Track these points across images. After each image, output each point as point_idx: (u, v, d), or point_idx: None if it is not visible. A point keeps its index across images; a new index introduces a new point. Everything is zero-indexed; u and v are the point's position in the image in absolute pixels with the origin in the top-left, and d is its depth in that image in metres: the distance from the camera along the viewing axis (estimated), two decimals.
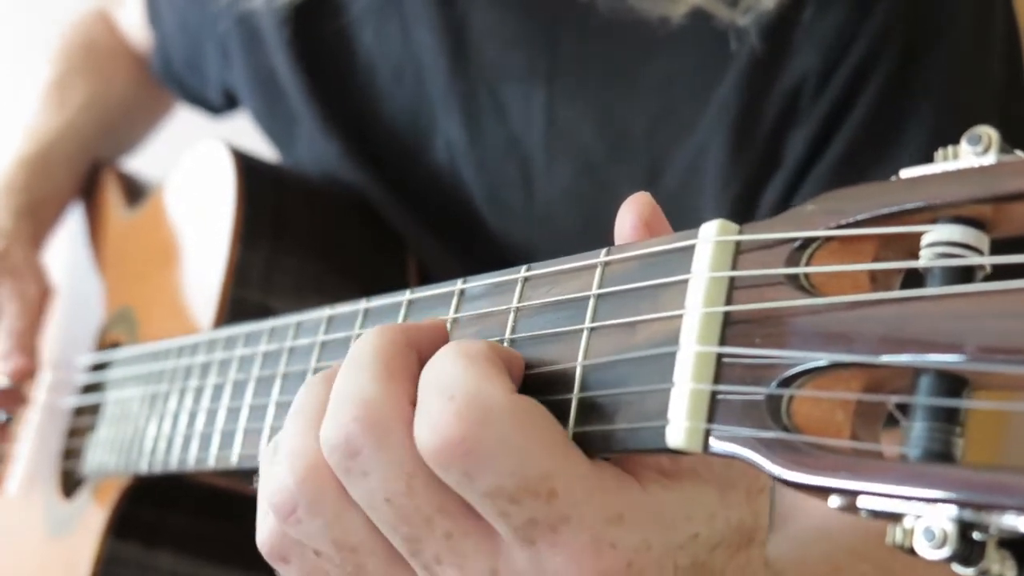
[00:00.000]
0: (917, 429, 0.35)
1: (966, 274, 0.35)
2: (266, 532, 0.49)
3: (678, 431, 0.39)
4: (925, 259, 0.36)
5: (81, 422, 1.02)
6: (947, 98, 0.74)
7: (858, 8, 0.74)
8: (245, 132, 1.05)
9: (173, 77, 1.13)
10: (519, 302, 0.48)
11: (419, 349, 0.46)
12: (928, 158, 0.76)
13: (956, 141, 0.80)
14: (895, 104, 0.73)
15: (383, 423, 0.43)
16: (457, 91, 0.88)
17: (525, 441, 0.41)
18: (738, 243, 0.40)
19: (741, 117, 0.78)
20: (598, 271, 0.45)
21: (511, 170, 0.87)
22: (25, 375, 0.99)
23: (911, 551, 0.34)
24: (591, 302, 0.44)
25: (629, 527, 0.42)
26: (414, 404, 0.43)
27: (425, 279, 0.94)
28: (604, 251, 0.45)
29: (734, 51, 0.76)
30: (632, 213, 0.46)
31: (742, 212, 0.79)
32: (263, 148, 1.02)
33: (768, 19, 0.74)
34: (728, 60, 0.78)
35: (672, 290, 0.41)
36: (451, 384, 0.42)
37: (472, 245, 0.92)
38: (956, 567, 0.34)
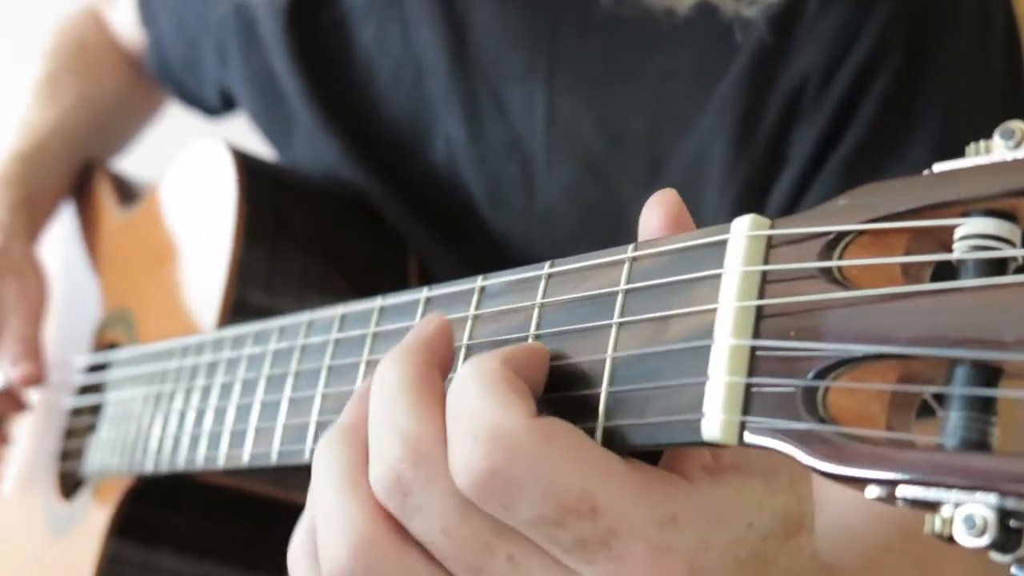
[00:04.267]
0: (953, 419, 0.35)
1: (999, 266, 0.36)
2: None
3: (714, 424, 0.39)
4: (959, 252, 0.37)
5: (79, 423, 1.01)
6: (955, 91, 0.74)
7: (861, 4, 0.74)
8: (240, 132, 1.05)
9: (170, 77, 1.13)
10: (544, 298, 0.48)
11: (440, 365, 0.47)
12: (939, 151, 0.76)
13: (965, 133, 0.80)
14: (904, 99, 0.74)
15: (427, 456, 0.43)
16: (458, 90, 0.88)
17: (554, 464, 0.41)
18: (769, 237, 0.41)
19: (744, 114, 0.78)
20: (626, 266, 0.45)
21: (512, 169, 0.88)
22: (33, 382, 0.98)
23: (950, 539, 0.34)
24: (620, 297, 0.45)
25: (684, 528, 0.42)
26: None
27: (425, 278, 0.94)
28: (631, 247, 0.46)
29: (740, 43, 0.76)
30: (659, 210, 0.46)
31: (745, 210, 0.80)
32: (257, 147, 1.02)
33: (774, 11, 0.74)
34: (730, 56, 0.78)
35: (704, 284, 0.42)
36: (473, 422, 0.42)
37: (471, 243, 0.92)
38: (994, 555, 0.34)
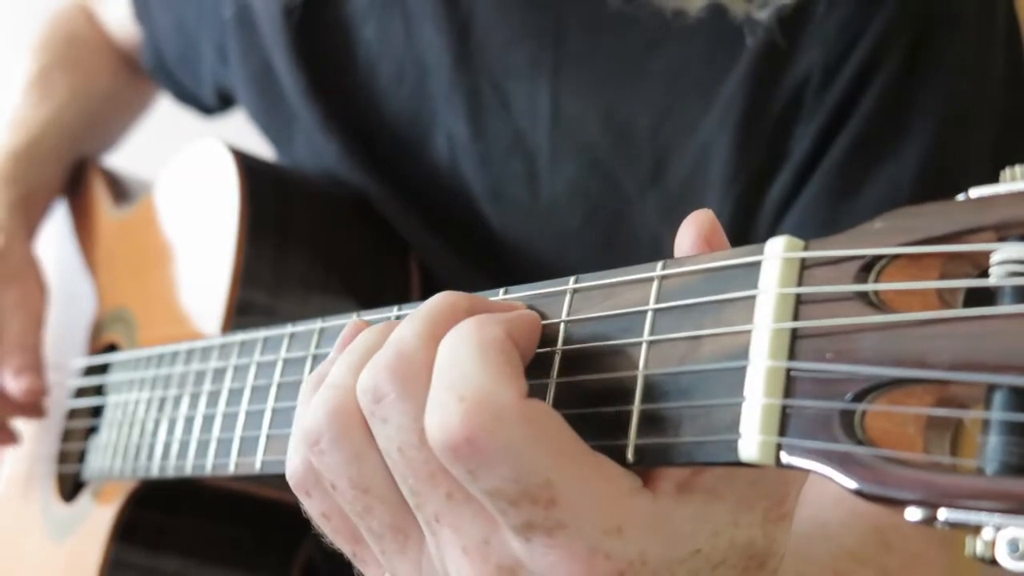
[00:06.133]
0: (992, 443, 0.36)
1: None
2: (294, 462, 0.51)
3: (751, 445, 0.40)
4: (996, 277, 0.37)
5: (76, 425, 1.01)
6: (954, 92, 0.75)
7: (864, 3, 0.75)
8: (236, 132, 1.04)
9: (166, 74, 1.12)
10: (569, 314, 0.49)
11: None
12: (935, 150, 0.77)
13: (963, 134, 0.81)
14: (902, 98, 0.74)
15: (410, 377, 0.45)
16: (461, 86, 0.88)
17: (530, 449, 0.42)
18: (803, 259, 0.41)
19: (747, 112, 0.78)
20: (655, 284, 0.45)
21: (515, 166, 0.88)
22: (36, 395, 0.97)
23: (992, 562, 0.35)
24: (650, 315, 0.45)
25: (627, 539, 0.43)
26: None
27: (427, 278, 0.94)
28: (660, 264, 0.46)
29: (748, 45, 0.76)
30: (693, 229, 0.46)
31: (747, 208, 0.80)
32: (254, 147, 1.01)
33: (785, 13, 0.75)
34: (735, 55, 0.78)
35: (738, 305, 0.42)
36: (463, 382, 0.43)
37: (473, 242, 0.92)
38: None
